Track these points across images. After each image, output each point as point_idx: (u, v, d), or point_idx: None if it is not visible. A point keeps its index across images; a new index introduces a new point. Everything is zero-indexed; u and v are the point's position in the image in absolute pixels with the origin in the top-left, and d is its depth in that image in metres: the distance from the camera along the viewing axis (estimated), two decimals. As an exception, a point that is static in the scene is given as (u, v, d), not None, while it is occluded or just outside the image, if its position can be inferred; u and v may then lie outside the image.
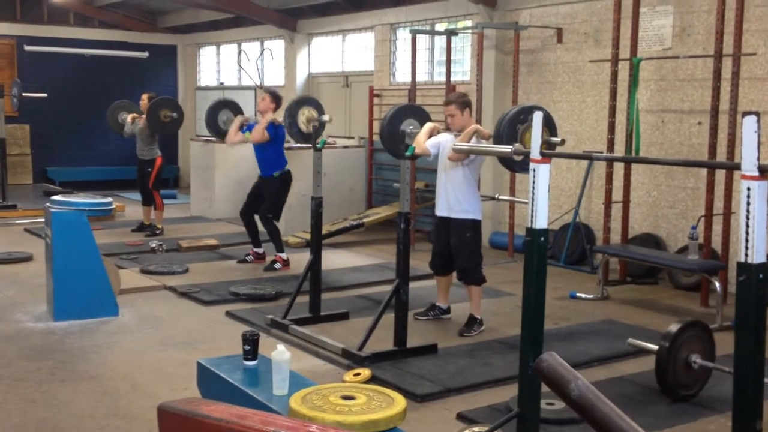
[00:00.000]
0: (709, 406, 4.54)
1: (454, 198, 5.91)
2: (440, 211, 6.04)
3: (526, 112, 4.48)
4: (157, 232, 9.86)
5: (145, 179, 10.00)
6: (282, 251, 8.10)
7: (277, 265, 8.02)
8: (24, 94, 11.89)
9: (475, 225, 5.96)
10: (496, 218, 9.59)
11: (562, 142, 4.18)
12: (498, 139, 4.54)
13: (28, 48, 13.23)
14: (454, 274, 6.15)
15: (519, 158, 4.45)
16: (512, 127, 4.46)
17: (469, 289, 6.01)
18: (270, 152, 7.97)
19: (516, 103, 8.63)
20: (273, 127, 7.87)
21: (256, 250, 8.34)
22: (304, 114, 6.82)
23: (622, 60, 7.54)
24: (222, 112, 8.80)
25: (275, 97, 8.04)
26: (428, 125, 5.97)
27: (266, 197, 8.03)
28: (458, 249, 5.93)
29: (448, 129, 6.10)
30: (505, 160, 4.70)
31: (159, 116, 9.72)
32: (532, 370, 3.53)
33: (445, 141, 5.90)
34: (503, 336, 5.79)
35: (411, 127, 6.02)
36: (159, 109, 9.75)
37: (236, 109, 8.85)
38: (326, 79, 12.82)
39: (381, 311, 5.28)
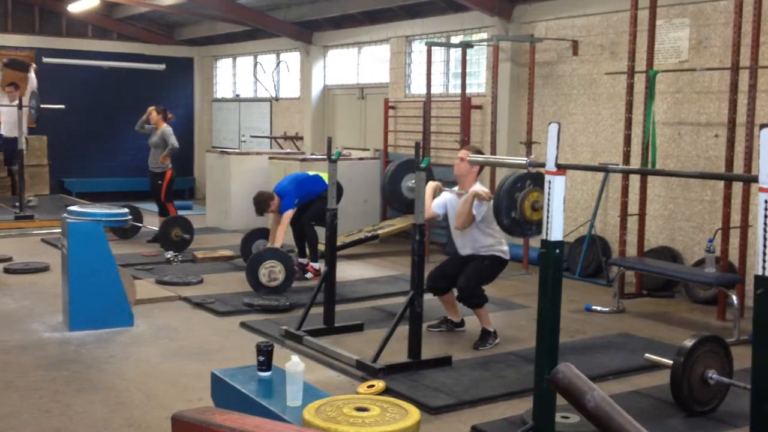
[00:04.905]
0: (727, 420, 4.49)
1: (476, 251, 5.89)
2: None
3: (523, 180, 4.51)
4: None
5: (157, 191, 10.03)
6: (315, 261, 8.15)
7: (309, 275, 8.10)
8: (42, 106, 11.98)
9: (492, 258, 5.87)
10: (511, 231, 9.55)
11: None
12: (497, 207, 4.56)
13: (46, 60, 13.31)
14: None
15: (534, 170, 4.47)
16: (510, 196, 4.50)
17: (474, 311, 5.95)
18: None
19: (531, 116, 8.62)
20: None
21: (300, 260, 8.30)
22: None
23: (638, 72, 7.51)
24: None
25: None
26: (430, 186, 5.92)
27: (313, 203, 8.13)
28: (469, 268, 5.83)
29: (449, 184, 6.07)
30: (510, 228, 4.66)
31: (170, 234, 9.15)
32: (548, 381, 3.52)
33: (450, 200, 5.96)
34: (518, 348, 5.76)
35: (412, 181, 6.00)
36: (171, 227, 9.24)
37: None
38: (341, 91, 12.86)
39: (395, 323, 5.26)
